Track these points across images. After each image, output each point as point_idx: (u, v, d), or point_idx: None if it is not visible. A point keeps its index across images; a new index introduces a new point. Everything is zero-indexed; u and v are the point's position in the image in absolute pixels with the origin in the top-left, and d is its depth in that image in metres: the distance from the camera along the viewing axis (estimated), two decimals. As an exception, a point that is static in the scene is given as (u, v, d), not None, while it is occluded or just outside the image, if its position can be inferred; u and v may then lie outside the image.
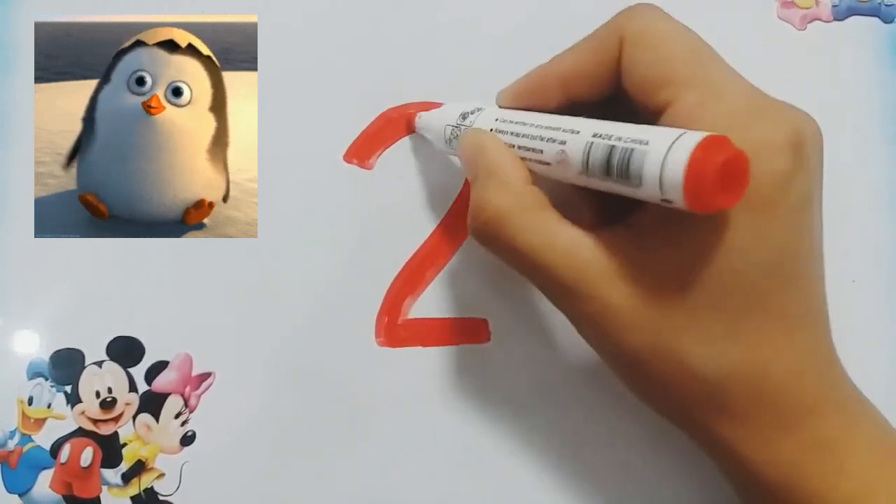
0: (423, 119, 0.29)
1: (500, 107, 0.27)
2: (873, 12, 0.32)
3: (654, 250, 0.22)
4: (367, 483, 0.29)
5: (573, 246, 0.22)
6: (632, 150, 0.20)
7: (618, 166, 0.20)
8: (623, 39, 0.23)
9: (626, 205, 0.22)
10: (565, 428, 0.29)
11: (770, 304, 0.21)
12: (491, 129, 0.25)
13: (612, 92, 0.24)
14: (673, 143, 0.19)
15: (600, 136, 0.21)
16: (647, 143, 0.20)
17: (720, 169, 0.19)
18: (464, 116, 0.27)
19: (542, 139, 0.23)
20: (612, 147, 0.21)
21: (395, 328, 0.29)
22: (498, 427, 0.29)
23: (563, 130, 0.23)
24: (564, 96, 0.25)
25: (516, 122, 0.25)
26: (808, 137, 0.22)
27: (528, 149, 0.24)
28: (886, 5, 0.32)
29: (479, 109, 0.27)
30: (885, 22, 0.32)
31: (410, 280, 0.30)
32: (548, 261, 0.22)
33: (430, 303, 0.30)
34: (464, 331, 0.30)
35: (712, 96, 0.22)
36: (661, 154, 0.19)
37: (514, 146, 0.24)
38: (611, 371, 0.24)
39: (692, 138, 0.19)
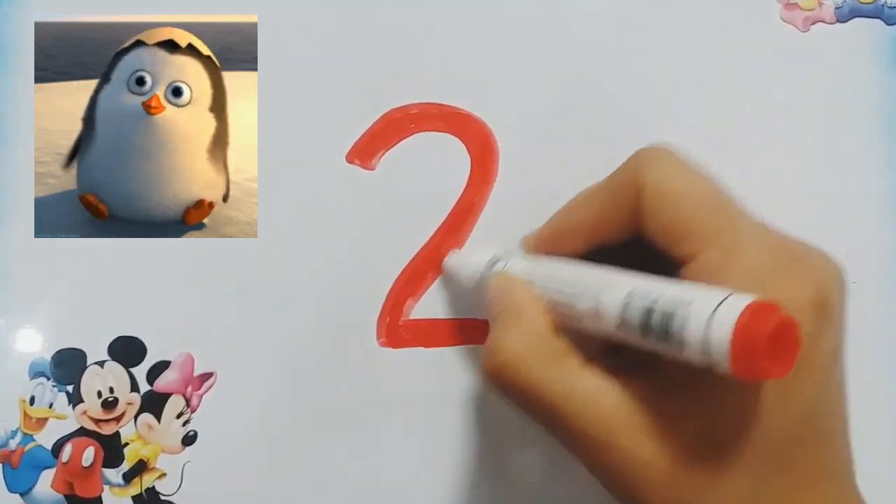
0: (450, 263, 0.29)
1: (527, 251, 0.27)
2: (876, 14, 0.32)
3: (682, 404, 0.21)
4: (368, 483, 0.29)
5: (598, 395, 0.21)
6: (673, 311, 0.19)
7: (657, 327, 0.19)
8: (641, 189, 0.23)
9: None
10: (565, 429, 0.29)
11: (799, 463, 0.21)
12: (522, 276, 0.25)
13: (634, 234, 0.23)
14: (718, 306, 0.18)
15: (637, 291, 0.20)
16: (689, 304, 0.19)
17: (770, 336, 0.17)
18: (493, 262, 0.27)
19: (575, 290, 0.23)
20: (651, 306, 0.20)
21: (396, 329, 0.30)
22: (498, 427, 0.29)
23: (598, 283, 0.22)
24: (588, 243, 0.25)
25: (548, 271, 0.24)
26: (833, 293, 0.21)
27: (560, 299, 0.23)
28: (889, 7, 0.32)
29: (508, 255, 0.26)
30: (888, 24, 0.32)
31: (412, 281, 0.30)
32: (569, 410, 0.21)
33: (432, 303, 0.30)
34: (465, 331, 0.30)
35: (734, 252, 0.21)
36: (705, 318, 0.18)
37: (544, 295, 0.24)
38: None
39: (738, 302, 0.18)
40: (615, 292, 0.21)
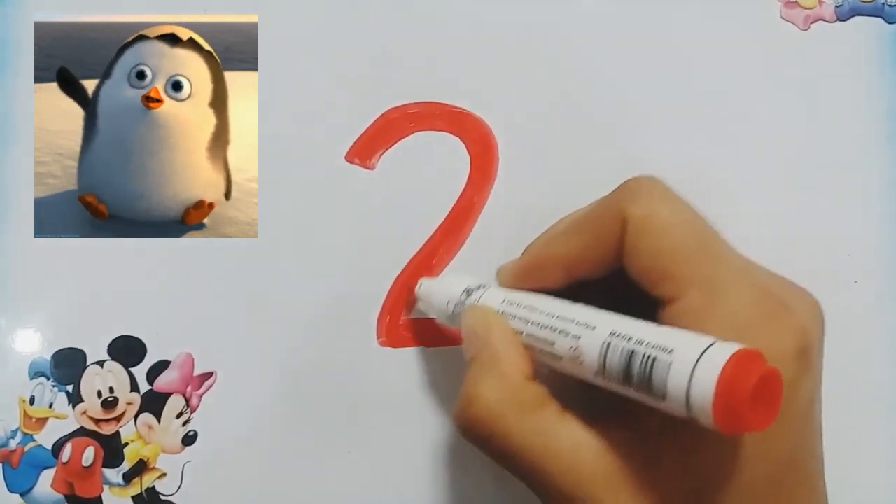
0: (423, 289, 0.28)
1: (501, 285, 0.26)
2: (876, 13, 0.32)
3: (660, 457, 0.20)
4: (368, 482, 0.29)
5: (575, 449, 0.21)
6: (654, 358, 0.18)
7: (639, 375, 0.19)
8: (625, 222, 0.22)
9: None
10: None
11: None
12: (498, 311, 0.24)
13: (616, 269, 0.23)
14: (700, 356, 0.18)
15: (618, 335, 0.20)
16: (671, 352, 0.18)
17: (753, 389, 0.17)
18: (468, 293, 0.25)
19: (553, 330, 0.22)
20: (633, 352, 0.19)
21: (396, 328, 0.29)
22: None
23: (578, 324, 0.21)
24: (568, 277, 0.24)
25: (526, 307, 0.23)
26: (814, 338, 0.21)
27: (537, 338, 0.22)
28: (890, 6, 0.32)
29: (483, 287, 0.25)
30: (889, 22, 0.32)
31: (412, 280, 0.30)
32: (546, 466, 0.21)
33: (431, 303, 0.30)
34: (465, 331, 0.30)
35: (716, 297, 0.20)
36: (688, 368, 0.18)
37: (521, 333, 0.23)
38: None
39: (721, 352, 0.17)
40: (595, 335, 0.20)
